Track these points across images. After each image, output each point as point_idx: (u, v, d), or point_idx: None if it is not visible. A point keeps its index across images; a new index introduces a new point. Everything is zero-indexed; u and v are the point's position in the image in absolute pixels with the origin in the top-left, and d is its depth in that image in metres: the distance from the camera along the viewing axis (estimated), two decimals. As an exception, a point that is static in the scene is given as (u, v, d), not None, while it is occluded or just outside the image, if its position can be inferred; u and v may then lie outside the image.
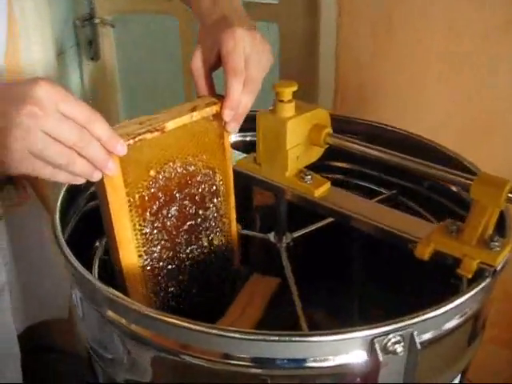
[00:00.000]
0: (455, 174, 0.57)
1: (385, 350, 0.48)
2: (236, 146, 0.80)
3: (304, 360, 0.49)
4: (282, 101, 0.64)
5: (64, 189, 0.64)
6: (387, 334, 0.48)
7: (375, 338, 0.47)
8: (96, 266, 0.67)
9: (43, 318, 0.89)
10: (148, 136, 0.53)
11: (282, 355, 0.48)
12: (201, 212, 0.63)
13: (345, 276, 0.83)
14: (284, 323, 0.66)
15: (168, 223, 0.59)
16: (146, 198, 0.56)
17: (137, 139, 0.52)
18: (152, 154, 0.55)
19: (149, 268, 0.60)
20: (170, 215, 0.59)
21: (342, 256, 0.80)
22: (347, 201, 0.66)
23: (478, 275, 0.55)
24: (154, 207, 0.57)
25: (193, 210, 0.61)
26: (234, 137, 0.82)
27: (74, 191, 0.67)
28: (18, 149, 0.44)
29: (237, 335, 0.47)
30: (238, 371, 0.49)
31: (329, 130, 0.67)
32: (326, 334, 0.47)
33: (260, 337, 0.47)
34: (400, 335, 0.48)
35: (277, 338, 0.46)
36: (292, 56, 1.21)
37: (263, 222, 0.79)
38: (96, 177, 0.50)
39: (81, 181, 0.50)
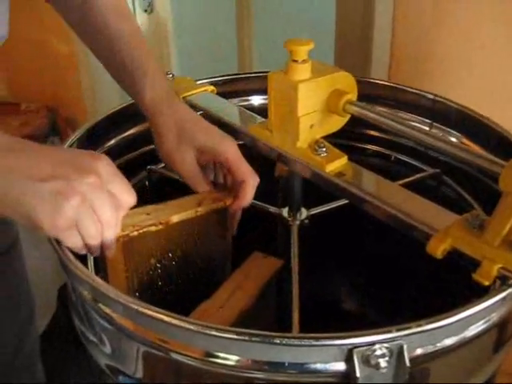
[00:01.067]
0: (484, 158, 0.47)
1: (366, 362, 0.40)
2: (259, 109, 0.73)
3: (278, 364, 0.43)
4: (295, 61, 0.56)
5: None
6: (371, 344, 0.40)
7: (355, 347, 0.40)
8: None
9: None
10: (152, 229, 0.55)
11: (252, 356, 0.43)
12: (201, 288, 0.62)
13: (364, 266, 0.74)
14: (279, 312, 0.60)
15: (164, 299, 0.60)
16: (145, 279, 0.57)
17: (141, 231, 0.54)
18: (154, 243, 0.56)
19: None
20: (167, 291, 0.60)
21: (364, 242, 0.72)
22: (364, 180, 0.57)
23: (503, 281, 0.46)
24: (153, 287, 0.58)
25: (190, 287, 0.61)
26: (257, 100, 0.75)
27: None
28: (69, 216, 0.44)
29: (188, 327, 0.42)
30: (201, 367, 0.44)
31: (350, 96, 0.58)
32: (294, 338, 0.40)
33: (213, 332, 0.41)
34: (387, 348, 0.40)
35: (235, 337, 0.40)
36: (348, 25, 1.10)
37: (283, 195, 0.72)
38: (97, 254, 0.51)
39: (83, 252, 0.50)
